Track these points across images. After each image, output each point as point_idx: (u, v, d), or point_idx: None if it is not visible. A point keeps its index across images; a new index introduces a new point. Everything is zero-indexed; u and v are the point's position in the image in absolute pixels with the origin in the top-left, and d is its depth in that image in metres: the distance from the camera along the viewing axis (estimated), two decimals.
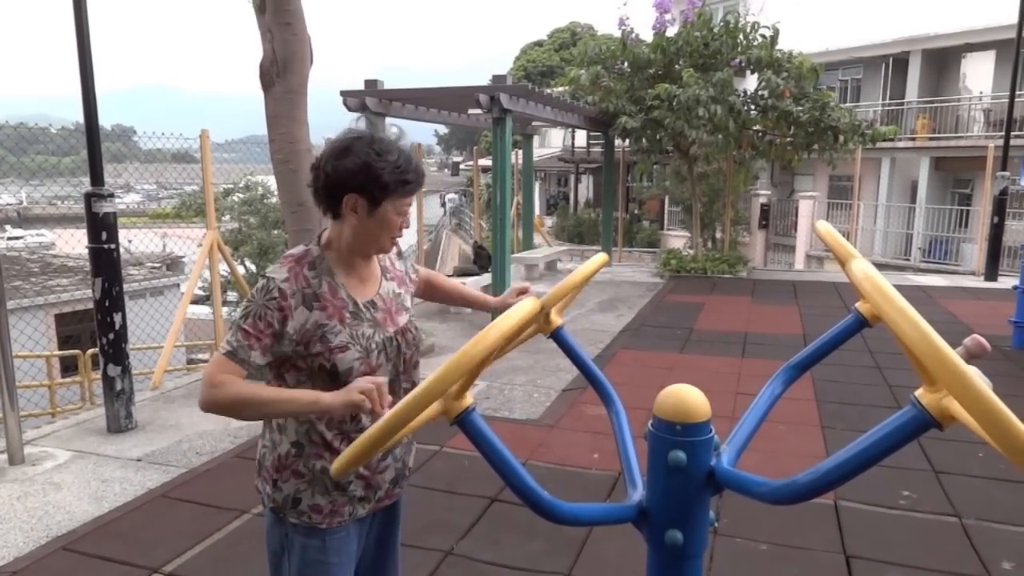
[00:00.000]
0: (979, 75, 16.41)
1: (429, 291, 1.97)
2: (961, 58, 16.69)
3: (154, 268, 15.09)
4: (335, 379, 1.51)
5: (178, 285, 12.54)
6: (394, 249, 1.70)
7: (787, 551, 2.94)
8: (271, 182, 18.32)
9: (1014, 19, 12.88)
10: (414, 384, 1.70)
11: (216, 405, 1.42)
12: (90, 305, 11.10)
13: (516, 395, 5.12)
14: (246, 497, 3.42)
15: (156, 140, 7.01)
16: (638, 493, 1.32)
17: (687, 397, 1.24)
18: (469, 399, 1.22)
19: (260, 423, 1.65)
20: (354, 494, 1.60)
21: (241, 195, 18.16)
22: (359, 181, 1.47)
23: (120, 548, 3.02)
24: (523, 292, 1.78)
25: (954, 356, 0.80)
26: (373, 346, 1.56)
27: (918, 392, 0.98)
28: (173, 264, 17.49)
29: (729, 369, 5.57)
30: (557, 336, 1.65)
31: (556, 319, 1.63)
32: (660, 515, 1.26)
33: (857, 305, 1.54)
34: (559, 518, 1.28)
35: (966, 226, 14.87)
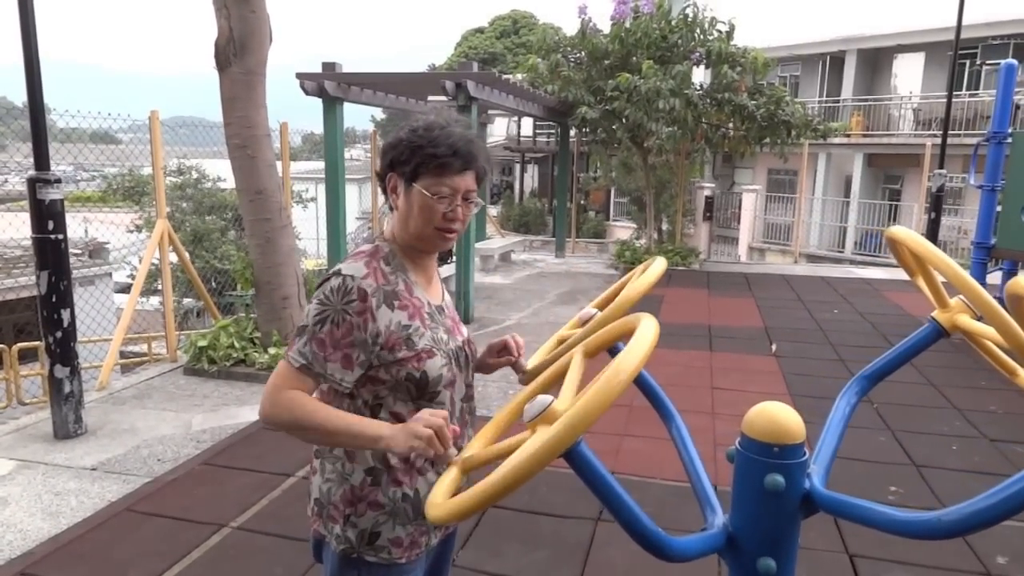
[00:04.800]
0: (909, 75, 17.15)
1: None
2: (893, 59, 17.39)
3: (75, 255, 14.17)
4: (422, 391, 1.36)
5: (110, 274, 11.82)
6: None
7: None
8: (206, 166, 17.51)
9: (942, 23, 13.50)
10: (472, 402, 1.56)
11: (275, 426, 1.29)
12: (9, 296, 10.36)
13: (491, 392, 4.99)
14: (222, 509, 3.19)
15: (72, 118, 6.37)
16: (719, 518, 1.23)
17: (782, 417, 1.16)
18: None
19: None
20: None
21: (173, 179, 17.28)
22: (392, 156, 1.37)
23: (87, 570, 2.75)
24: (503, 348, 1.54)
25: None
26: (452, 352, 1.42)
27: None
28: (96, 251, 16.50)
29: (700, 363, 5.59)
30: (616, 351, 1.54)
31: None
32: (751, 542, 1.19)
33: (934, 314, 1.48)
34: (668, 554, 1.18)
35: (896, 220, 15.54)
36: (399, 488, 1.38)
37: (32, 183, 3.80)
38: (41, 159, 3.83)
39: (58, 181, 3.88)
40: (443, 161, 1.32)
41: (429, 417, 1.23)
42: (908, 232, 1.40)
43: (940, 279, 1.38)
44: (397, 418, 1.37)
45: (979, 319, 1.40)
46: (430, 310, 1.41)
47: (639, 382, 1.57)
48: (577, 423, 0.92)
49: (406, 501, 1.38)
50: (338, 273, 1.31)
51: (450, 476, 1.13)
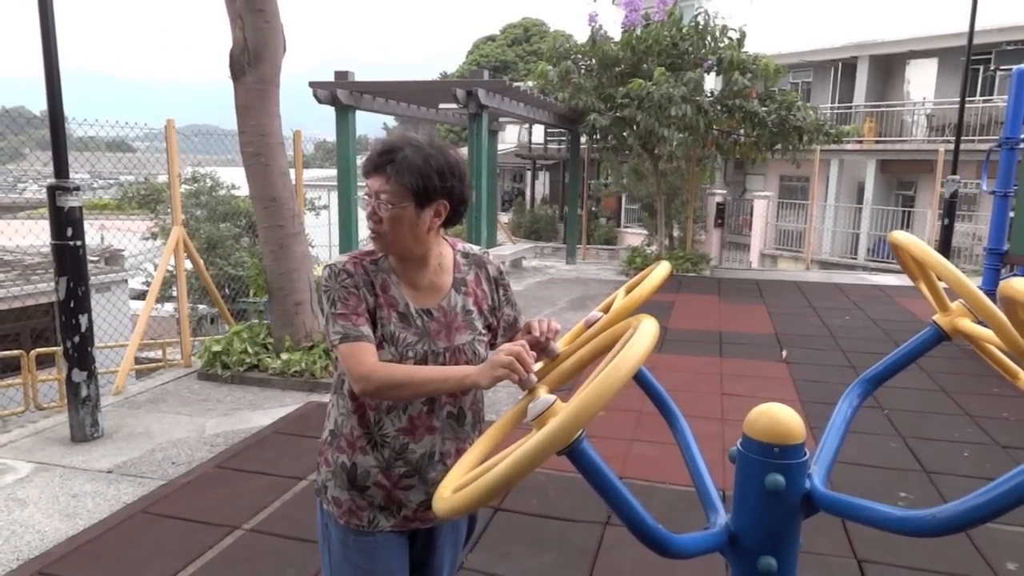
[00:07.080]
0: (922, 81, 17.07)
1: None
2: (906, 64, 17.31)
3: (92, 261, 14.34)
4: None
5: (126, 281, 11.95)
6: (489, 269, 1.65)
7: (801, 557, 2.93)
8: (220, 173, 17.68)
9: (955, 28, 13.44)
10: (461, 410, 1.59)
11: (374, 394, 1.44)
12: (28, 303, 10.51)
13: (500, 397, 5.02)
14: (235, 512, 3.24)
15: (90, 127, 6.46)
16: (721, 517, 1.26)
17: (782, 418, 1.18)
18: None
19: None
20: (372, 500, 1.54)
21: (188, 187, 17.46)
22: None
23: (103, 571, 2.80)
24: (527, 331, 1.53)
25: None
26: (411, 354, 1.49)
27: None
28: (112, 258, 16.71)
29: (711, 369, 5.58)
30: None
31: None
32: (752, 541, 1.21)
33: (935, 318, 1.50)
34: (670, 551, 1.20)
35: (909, 227, 15.44)
36: (341, 455, 1.56)
37: (52, 191, 3.88)
38: (61, 167, 3.91)
39: (77, 189, 3.96)
40: (365, 166, 1.50)
41: (507, 346, 1.33)
42: (909, 237, 1.42)
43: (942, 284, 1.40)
44: (351, 396, 1.52)
45: (980, 323, 1.42)
46: (404, 311, 1.51)
47: (643, 384, 1.60)
48: (575, 417, 0.94)
49: (343, 469, 1.55)
50: (326, 266, 1.53)
51: (457, 472, 1.16)
